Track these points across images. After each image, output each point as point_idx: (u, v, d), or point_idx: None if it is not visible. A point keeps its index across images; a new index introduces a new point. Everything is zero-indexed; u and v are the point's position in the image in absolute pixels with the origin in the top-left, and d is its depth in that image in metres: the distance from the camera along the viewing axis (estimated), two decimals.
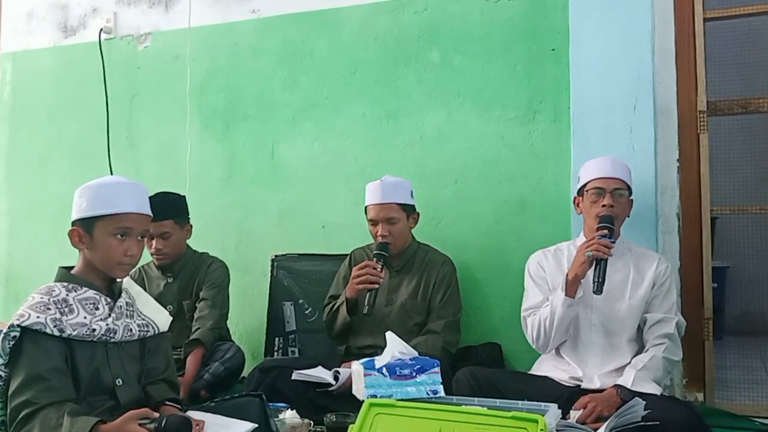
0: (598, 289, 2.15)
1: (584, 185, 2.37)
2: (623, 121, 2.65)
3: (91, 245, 1.83)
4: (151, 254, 2.86)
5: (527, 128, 2.91)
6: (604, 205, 2.28)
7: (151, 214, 1.92)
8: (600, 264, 2.17)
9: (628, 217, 2.39)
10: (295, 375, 2.43)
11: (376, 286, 2.53)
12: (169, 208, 2.84)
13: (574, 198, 2.45)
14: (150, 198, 2.78)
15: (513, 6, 2.96)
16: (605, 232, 2.21)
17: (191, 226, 2.95)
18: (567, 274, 2.25)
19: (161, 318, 1.98)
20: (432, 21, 3.10)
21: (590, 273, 2.20)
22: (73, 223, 1.84)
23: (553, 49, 2.87)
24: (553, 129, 2.87)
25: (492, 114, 2.97)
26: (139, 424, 1.65)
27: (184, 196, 2.96)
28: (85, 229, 1.82)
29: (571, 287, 2.23)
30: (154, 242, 2.81)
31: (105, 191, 1.83)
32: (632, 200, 2.38)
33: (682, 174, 2.69)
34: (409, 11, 3.14)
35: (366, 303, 2.51)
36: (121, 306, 1.87)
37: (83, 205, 1.82)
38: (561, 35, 2.83)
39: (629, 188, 2.35)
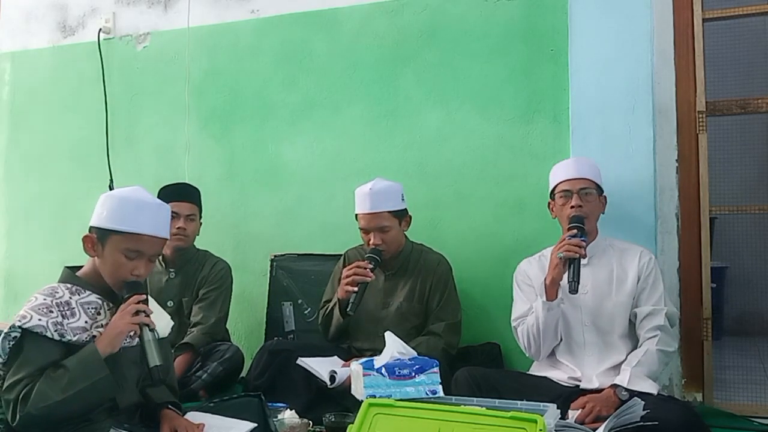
0: (573, 289, 2.16)
1: (553, 189, 2.40)
2: (622, 121, 2.65)
3: (101, 255, 1.81)
4: (172, 234, 2.72)
5: (526, 128, 2.92)
6: (573, 206, 2.30)
7: (168, 237, 1.89)
8: (573, 264, 2.19)
9: (603, 214, 2.40)
10: (299, 361, 2.46)
11: (367, 279, 2.51)
12: (196, 195, 2.96)
13: (548, 203, 2.46)
14: (177, 184, 2.85)
15: (512, 6, 2.96)
16: (575, 232, 2.24)
17: (201, 223, 2.99)
18: (545, 280, 2.26)
19: (162, 324, 1.96)
20: (431, 21, 3.10)
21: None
22: (90, 229, 1.83)
23: (552, 50, 2.88)
24: (551, 129, 2.87)
25: (491, 114, 2.97)
26: None
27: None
28: (99, 238, 1.81)
29: (551, 291, 2.24)
30: (181, 221, 2.83)
31: (126, 207, 1.79)
32: (605, 197, 2.40)
33: (681, 174, 2.69)
34: (408, 11, 3.14)
35: (351, 301, 2.49)
36: None
37: (103, 214, 1.80)
38: (560, 36, 2.84)
39: (598, 186, 2.36)
